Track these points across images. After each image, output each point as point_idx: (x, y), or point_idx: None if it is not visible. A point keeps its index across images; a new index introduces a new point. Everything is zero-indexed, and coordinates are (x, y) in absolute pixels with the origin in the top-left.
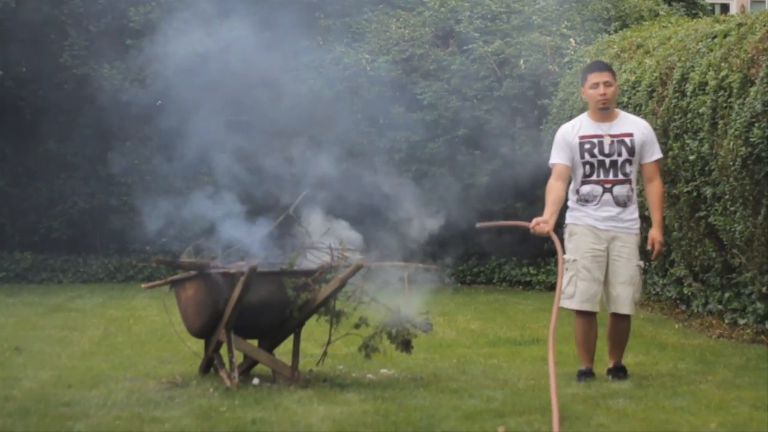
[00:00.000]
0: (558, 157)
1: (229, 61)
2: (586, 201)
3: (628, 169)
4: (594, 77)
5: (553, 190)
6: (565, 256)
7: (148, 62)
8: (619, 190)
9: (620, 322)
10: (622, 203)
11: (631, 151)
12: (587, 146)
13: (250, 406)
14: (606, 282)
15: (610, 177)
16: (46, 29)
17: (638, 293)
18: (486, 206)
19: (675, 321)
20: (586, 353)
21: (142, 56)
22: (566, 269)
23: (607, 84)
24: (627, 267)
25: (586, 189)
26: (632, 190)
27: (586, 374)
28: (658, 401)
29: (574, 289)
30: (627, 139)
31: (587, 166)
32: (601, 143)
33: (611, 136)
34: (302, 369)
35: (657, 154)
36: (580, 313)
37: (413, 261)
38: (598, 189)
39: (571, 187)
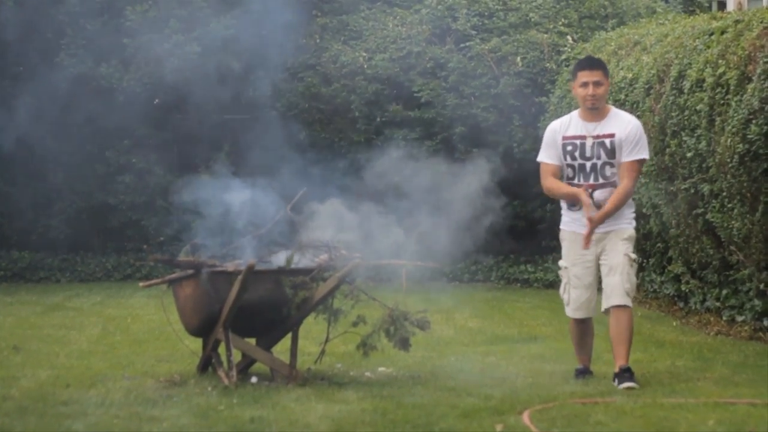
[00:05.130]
0: (546, 156)
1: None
2: (572, 204)
3: (608, 172)
4: (583, 76)
5: (554, 182)
6: (560, 263)
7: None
8: (600, 194)
9: (618, 316)
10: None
11: (610, 153)
12: (569, 148)
13: (248, 404)
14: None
15: (591, 181)
16: (43, 28)
17: (628, 284)
18: (484, 204)
19: (673, 318)
20: (582, 353)
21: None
22: (562, 276)
23: (597, 84)
24: (612, 258)
25: None
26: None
27: (583, 372)
28: (656, 398)
29: (569, 296)
30: (607, 141)
31: (569, 169)
32: (583, 145)
33: (594, 137)
34: (300, 367)
35: (637, 154)
36: (575, 319)
37: (410, 259)
38: None
39: None
